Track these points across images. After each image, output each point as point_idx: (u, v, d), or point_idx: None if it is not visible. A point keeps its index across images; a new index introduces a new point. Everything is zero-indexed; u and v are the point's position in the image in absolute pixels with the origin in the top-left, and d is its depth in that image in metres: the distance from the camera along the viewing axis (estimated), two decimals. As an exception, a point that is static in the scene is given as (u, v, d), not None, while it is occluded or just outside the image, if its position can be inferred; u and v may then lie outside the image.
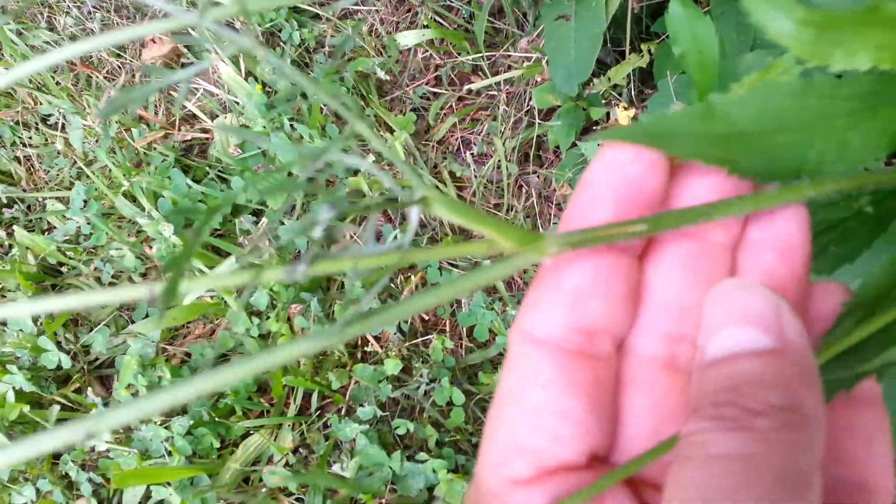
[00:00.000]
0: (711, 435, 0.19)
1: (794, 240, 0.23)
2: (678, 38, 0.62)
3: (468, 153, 1.21)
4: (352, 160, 0.20)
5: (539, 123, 1.16)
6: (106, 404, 1.17)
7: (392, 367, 1.05)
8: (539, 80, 1.15)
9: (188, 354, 1.18)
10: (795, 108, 0.27)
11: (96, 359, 1.22)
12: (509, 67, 1.21)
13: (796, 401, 0.19)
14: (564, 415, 0.21)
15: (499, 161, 1.18)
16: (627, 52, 1.03)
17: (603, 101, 1.09)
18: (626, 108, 1.07)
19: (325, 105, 1.23)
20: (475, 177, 1.20)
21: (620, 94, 1.09)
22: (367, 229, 0.20)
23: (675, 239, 0.23)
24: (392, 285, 1.16)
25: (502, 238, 0.21)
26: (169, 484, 1.05)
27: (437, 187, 1.19)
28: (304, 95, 1.26)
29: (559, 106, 1.12)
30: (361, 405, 1.07)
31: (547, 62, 0.97)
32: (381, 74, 1.24)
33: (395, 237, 1.15)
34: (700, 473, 0.18)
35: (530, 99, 1.16)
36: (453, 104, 1.26)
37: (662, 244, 0.23)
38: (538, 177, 1.20)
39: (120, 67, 1.40)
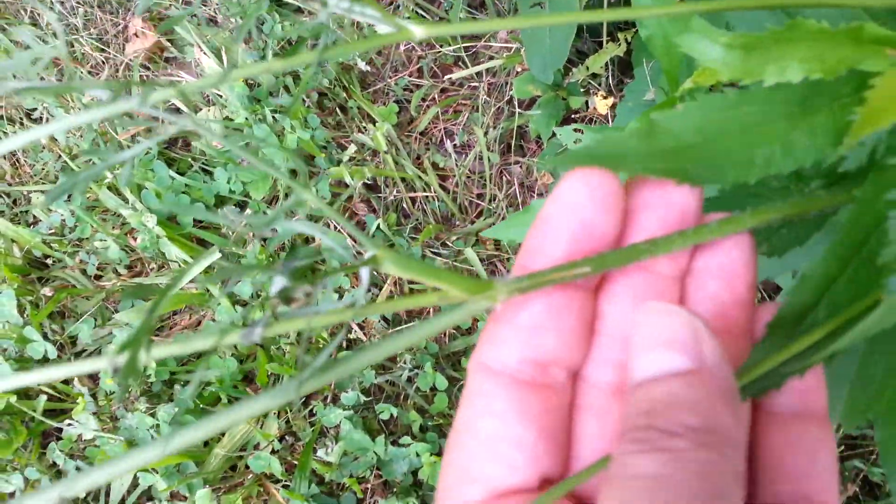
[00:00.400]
0: (633, 457, 0.20)
1: (738, 267, 0.24)
2: (644, 21, 0.64)
3: (450, 144, 1.23)
4: (301, 227, 0.21)
5: (519, 113, 1.18)
6: (93, 395, 1.18)
7: (375, 353, 1.07)
8: (519, 70, 1.17)
9: (174, 345, 1.19)
10: (735, 117, 0.29)
11: (83, 350, 1.23)
12: (490, 58, 1.22)
13: (712, 421, 0.20)
14: (516, 443, 0.22)
15: (480, 151, 1.20)
16: (605, 41, 1.04)
17: (582, 90, 1.11)
18: (604, 97, 1.09)
19: (306, 98, 1.24)
20: (457, 167, 1.21)
21: (599, 83, 1.10)
22: (323, 290, 0.21)
23: (626, 272, 0.24)
24: (376, 272, 1.18)
25: (453, 288, 0.22)
26: (156, 471, 1.06)
27: (420, 177, 1.21)
28: (286, 88, 1.27)
29: (539, 96, 1.13)
30: (345, 392, 1.08)
31: (524, 51, 0.99)
32: (363, 66, 1.25)
33: (378, 226, 1.17)
34: (622, 493, 0.19)
35: (511, 89, 1.18)
36: (436, 96, 1.27)
37: (615, 278, 0.24)
38: (520, 166, 1.22)
39: (104, 62, 1.40)
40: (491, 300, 0.22)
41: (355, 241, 1.17)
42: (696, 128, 0.29)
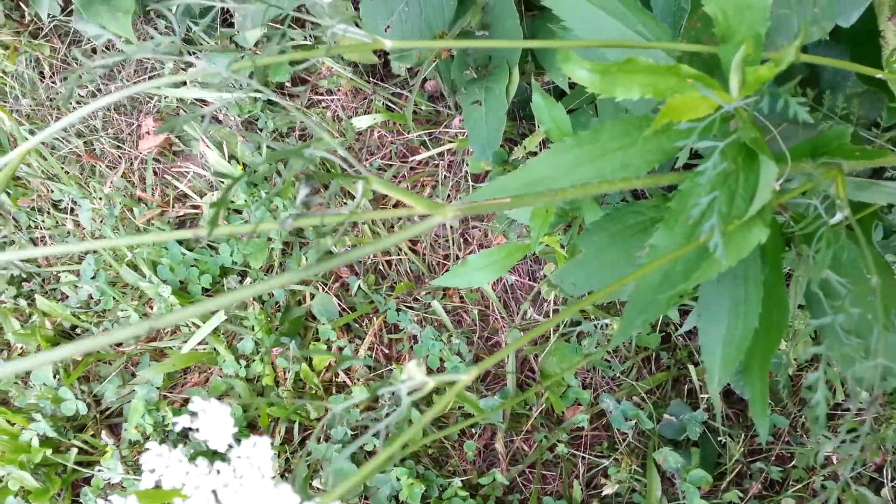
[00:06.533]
0: None
1: None
2: (542, 118, 0.85)
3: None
4: (315, 152, 0.30)
5: (475, 186, 1.39)
6: (118, 446, 1.35)
7: (358, 393, 1.25)
8: (471, 150, 1.39)
9: (187, 400, 1.38)
10: (588, 153, 0.49)
11: (107, 408, 1.41)
12: (448, 142, 1.45)
13: None
14: None
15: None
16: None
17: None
18: (542, 170, 1.31)
19: (295, 179, 1.46)
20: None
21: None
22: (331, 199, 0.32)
23: None
24: (358, 326, 1.37)
25: (416, 204, 0.31)
26: (174, 506, 1.23)
27: (398, 248, 1.41)
28: (278, 172, 1.49)
29: (490, 170, 1.35)
30: (335, 427, 1.26)
31: (468, 137, 1.21)
32: (343, 152, 1.47)
33: (359, 286, 1.37)
34: None
35: (467, 166, 1.40)
36: (405, 173, 1.49)
37: None
38: (479, 230, 1.43)
39: (120, 158, 1.62)
40: (443, 216, 0.31)
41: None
42: (551, 165, 0.47)
